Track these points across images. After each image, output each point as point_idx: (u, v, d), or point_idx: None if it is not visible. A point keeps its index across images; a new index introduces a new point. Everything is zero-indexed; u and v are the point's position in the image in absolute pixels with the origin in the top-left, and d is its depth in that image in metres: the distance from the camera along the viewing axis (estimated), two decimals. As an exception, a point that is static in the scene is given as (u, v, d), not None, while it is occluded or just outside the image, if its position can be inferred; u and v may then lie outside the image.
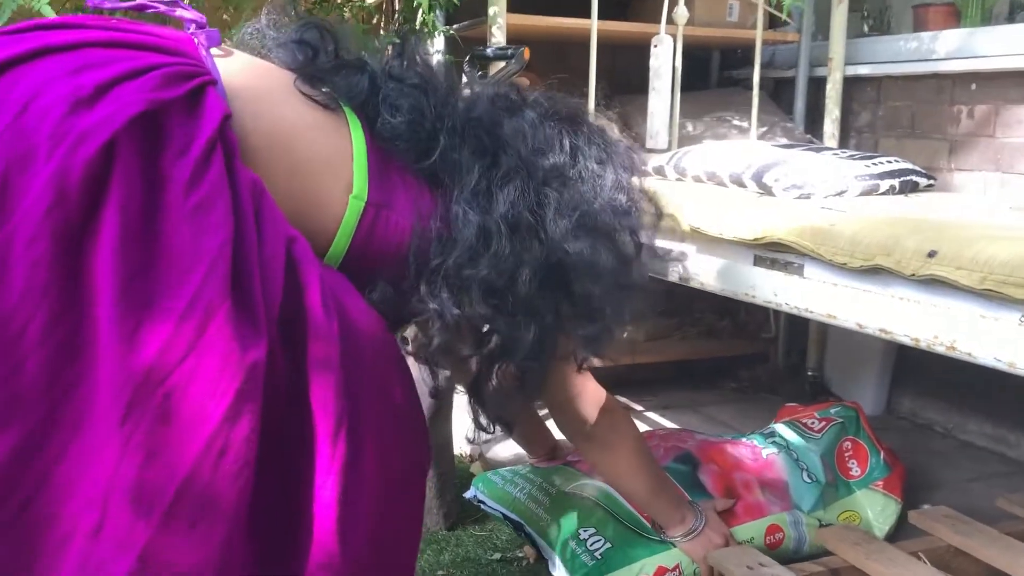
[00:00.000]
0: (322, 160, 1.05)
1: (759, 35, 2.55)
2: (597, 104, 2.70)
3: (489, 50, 2.19)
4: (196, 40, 1.04)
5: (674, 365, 2.96)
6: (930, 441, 2.48)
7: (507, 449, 2.31)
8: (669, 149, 2.35)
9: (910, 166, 2.03)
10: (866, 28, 2.95)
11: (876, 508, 1.81)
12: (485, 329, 1.09)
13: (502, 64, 2.16)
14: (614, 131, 1.29)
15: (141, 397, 0.86)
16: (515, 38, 2.38)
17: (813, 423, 1.91)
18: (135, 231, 0.88)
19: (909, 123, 2.58)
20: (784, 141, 2.50)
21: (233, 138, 0.97)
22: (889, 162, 2.02)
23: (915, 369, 2.62)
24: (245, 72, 1.07)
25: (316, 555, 0.99)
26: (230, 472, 0.90)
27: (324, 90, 1.09)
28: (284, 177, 1.02)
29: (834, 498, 1.79)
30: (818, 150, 2.11)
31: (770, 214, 1.55)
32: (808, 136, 2.70)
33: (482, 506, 1.79)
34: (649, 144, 2.41)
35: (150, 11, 1.08)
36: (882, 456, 1.87)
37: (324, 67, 1.10)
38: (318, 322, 0.97)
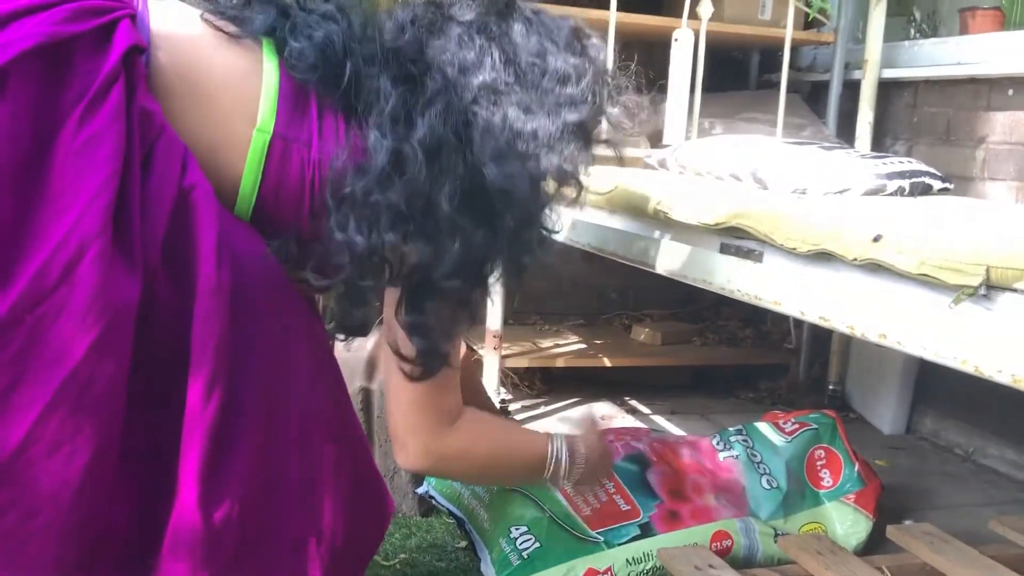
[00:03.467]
0: (231, 95, 1.03)
1: (788, 32, 2.47)
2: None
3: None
4: None
5: (692, 370, 2.88)
6: (948, 463, 2.36)
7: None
8: (685, 146, 2.29)
9: (924, 168, 1.94)
10: (912, 32, 2.84)
11: (845, 522, 1.72)
12: (397, 256, 1.04)
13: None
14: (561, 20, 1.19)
15: (11, 321, 0.86)
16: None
17: (787, 425, 1.82)
18: (18, 167, 0.88)
19: (944, 129, 2.47)
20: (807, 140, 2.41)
21: (140, 70, 0.96)
22: (901, 162, 1.93)
23: (937, 388, 2.49)
24: (170, 11, 1.06)
25: (177, 519, 0.98)
26: (95, 403, 0.90)
27: (235, 25, 1.06)
28: (193, 114, 1.00)
29: (798, 507, 1.71)
30: (830, 149, 2.03)
31: (734, 200, 1.49)
32: (838, 140, 2.61)
33: (433, 502, 1.75)
34: (665, 141, 2.35)
35: None
36: (857, 468, 1.78)
37: (235, 2, 1.08)
38: (207, 274, 0.96)
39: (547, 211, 1.12)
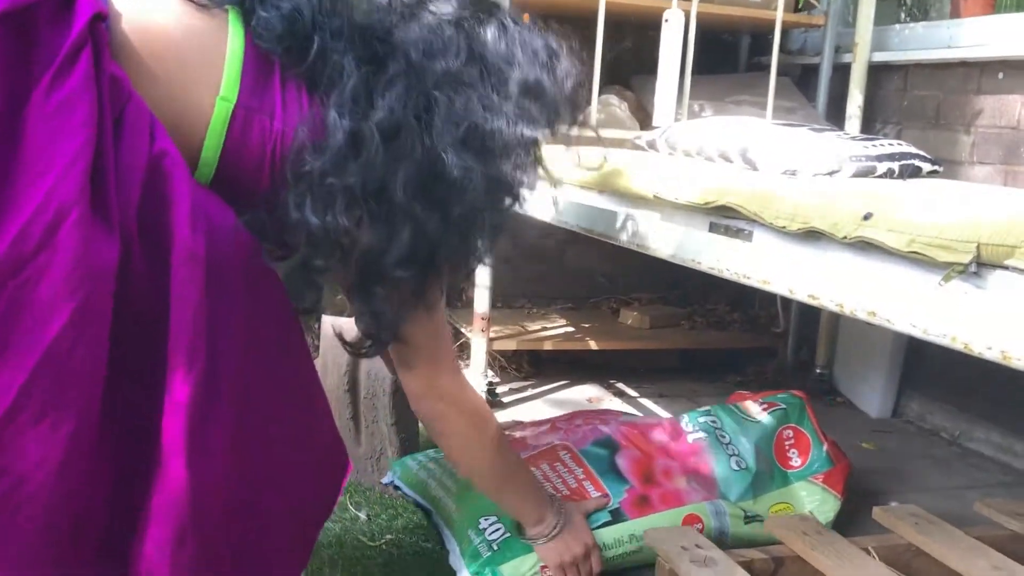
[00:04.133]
0: (195, 63, 1.02)
1: (779, 14, 2.45)
2: (610, 83, 2.64)
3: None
4: None
5: (679, 354, 2.88)
6: (934, 447, 2.36)
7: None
8: (674, 127, 2.28)
9: (914, 150, 1.93)
10: (903, 15, 2.83)
11: (813, 502, 1.71)
12: (350, 239, 1.02)
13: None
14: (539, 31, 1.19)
15: None
16: (526, 10, 2.33)
17: (754, 406, 1.81)
18: None
19: (934, 113, 2.46)
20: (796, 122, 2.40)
21: (104, 38, 0.95)
22: (891, 144, 1.92)
23: (924, 372, 2.50)
24: None
25: (163, 489, 0.97)
26: (77, 371, 0.89)
27: None
28: (157, 82, 0.99)
29: (767, 488, 1.69)
30: (820, 131, 2.02)
31: (722, 179, 1.48)
32: (828, 123, 2.60)
33: (399, 493, 1.71)
34: (655, 122, 2.34)
35: None
36: (825, 448, 1.77)
37: None
38: (183, 240, 0.95)
39: (498, 214, 1.11)
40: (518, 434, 1.75)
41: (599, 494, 1.56)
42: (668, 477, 1.62)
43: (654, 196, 1.58)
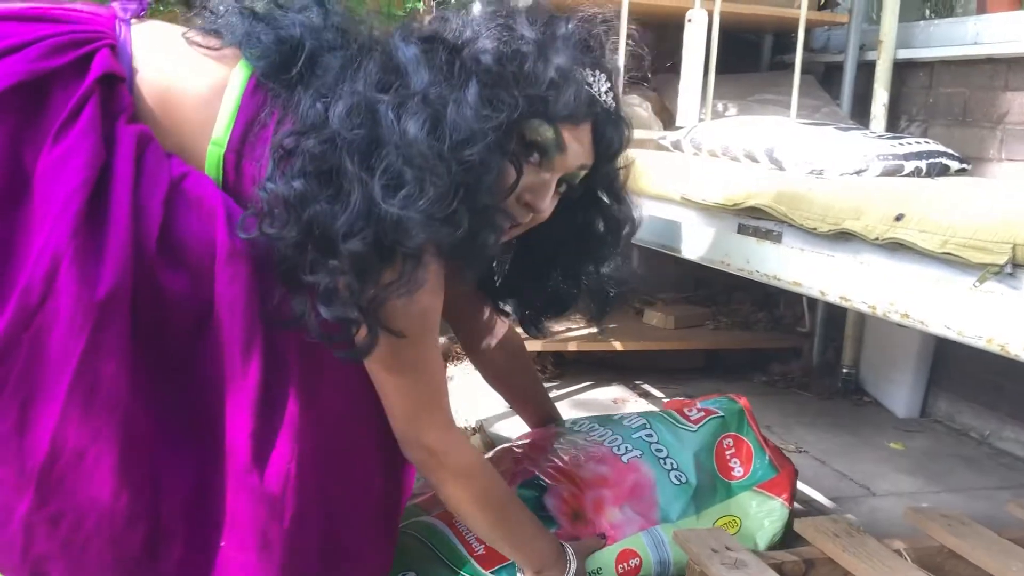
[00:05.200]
0: (200, 111, 1.05)
1: (803, 13, 2.44)
2: (634, 82, 2.64)
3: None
4: (117, 6, 1.07)
5: (704, 354, 2.87)
6: (963, 446, 2.34)
7: (509, 426, 2.27)
8: (698, 127, 2.27)
9: (941, 148, 1.92)
10: (927, 12, 2.81)
11: (760, 513, 1.63)
12: (297, 202, 0.99)
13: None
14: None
15: (10, 342, 0.91)
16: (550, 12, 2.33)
17: (691, 412, 1.70)
18: (2, 197, 0.93)
19: (961, 110, 2.44)
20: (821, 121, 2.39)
21: (124, 98, 1.00)
22: (918, 143, 1.90)
23: (953, 371, 2.48)
24: (154, 36, 1.08)
25: (240, 493, 1.00)
26: (105, 404, 0.93)
27: (216, 37, 1.09)
28: (169, 132, 1.03)
29: (710, 501, 1.60)
30: (846, 129, 2.01)
31: (751, 180, 1.48)
32: (853, 121, 2.59)
33: None
34: (678, 123, 2.34)
35: None
36: (768, 455, 1.67)
37: (217, 19, 1.10)
38: (222, 242, 0.99)
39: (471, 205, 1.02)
40: None
41: None
42: (599, 511, 1.51)
43: (681, 197, 1.58)
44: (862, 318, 2.67)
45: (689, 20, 2.30)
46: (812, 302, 2.85)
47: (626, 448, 1.60)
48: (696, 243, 1.50)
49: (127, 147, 0.97)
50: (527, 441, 1.68)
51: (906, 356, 2.53)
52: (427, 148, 0.98)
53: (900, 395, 2.55)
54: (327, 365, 1.08)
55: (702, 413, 1.68)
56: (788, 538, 1.72)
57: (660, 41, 2.85)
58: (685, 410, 1.71)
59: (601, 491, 1.53)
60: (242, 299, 0.99)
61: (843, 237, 1.22)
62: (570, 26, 1.13)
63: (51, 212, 0.92)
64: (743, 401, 1.74)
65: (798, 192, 1.34)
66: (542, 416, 1.77)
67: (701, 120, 2.31)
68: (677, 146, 2.13)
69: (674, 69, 2.61)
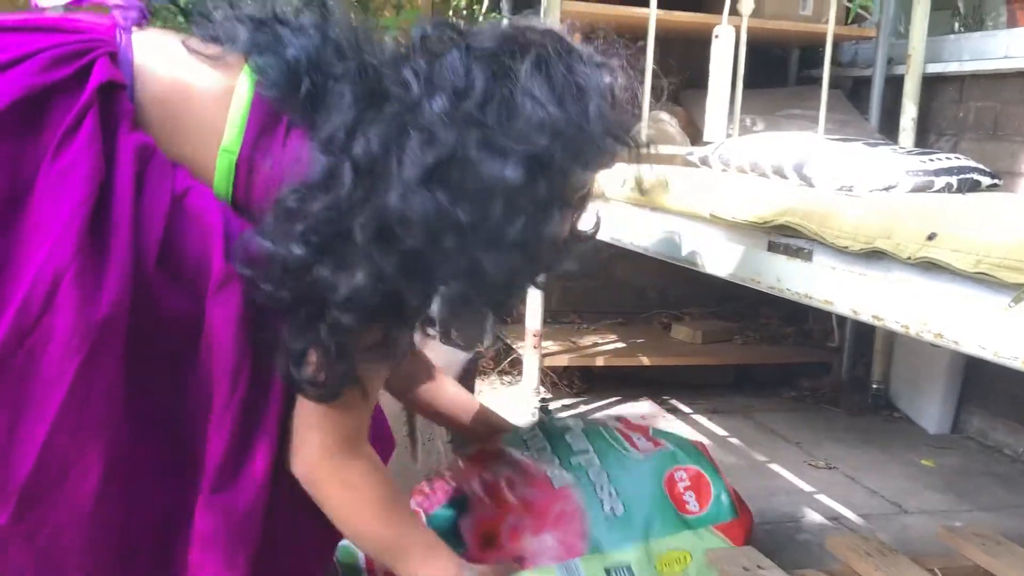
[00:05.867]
0: (206, 118, 1.03)
1: (831, 28, 2.44)
2: (661, 98, 2.64)
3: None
4: (118, 14, 1.06)
5: (732, 369, 2.86)
6: (996, 464, 2.32)
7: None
8: (726, 143, 2.27)
9: (972, 164, 1.91)
10: (957, 25, 2.80)
11: None
12: (300, 270, 0.98)
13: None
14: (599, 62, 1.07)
15: (3, 357, 0.91)
16: (575, 29, 2.34)
17: (640, 441, 1.59)
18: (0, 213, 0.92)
19: (992, 124, 2.43)
20: (849, 136, 2.38)
21: (124, 106, 0.99)
22: (948, 158, 1.89)
23: (985, 387, 2.45)
24: (154, 43, 1.07)
25: (211, 514, 1.00)
26: (95, 423, 0.93)
27: (218, 44, 1.06)
28: (172, 139, 1.02)
29: (657, 532, 1.47)
30: (874, 144, 2.00)
31: (781, 197, 1.48)
32: (882, 136, 2.58)
33: None
34: (706, 138, 2.34)
35: (86, 4, 1.11)
36: (730, 497, 1.53)
37: (216, 26, 1.08)
38: (218, 265, 0.98)
39: (478, 269, 1.00)
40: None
41: None
42: (515, 537, 1.42)
43: (710, 214, 1.58)
44: (892, 333, 2.65)
45: (716, 36, 2.30)
46: (841, 317, 2.84)
47: (561, 472, 1.51)
48: (726, 260, 1.50)
49: (127, 160, 0.96)
50: (473, 452, 1.60)
51: (937, 372, 2.51)
52: (445, 224, 0.96)
53: (931, 411, 2.53)
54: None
55: (651, 444, 1.58)
56: (818, 555, 1.71)
57: (686, 57, 2.86)
58: (635, 436, 1.61)
59: (523, 517, 1.45)
60: (233, 321, 0.98)
61: (875, 256, 1.21)
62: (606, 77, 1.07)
63: (53, 228, 0.92)
64: (700, 446, 1.64)
65: (829, 210, 1.34)
66: (486, 427, 1.65)
67: (728, 136, 2.31)
68: (705, 162, 2.14)
69: (700, 84, 2.61)
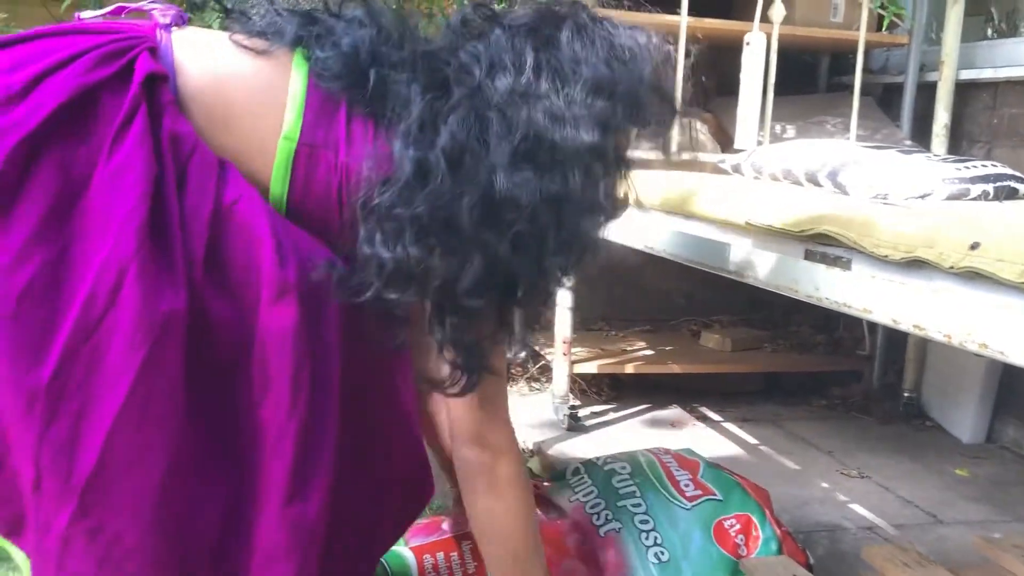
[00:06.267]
0: (257, 108, 1.04)
1: (862, 35, 2.43)
2: (689, 104, 2.64)
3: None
4: (157, 15, 1.08)
5: (762, 377, 2.85)
6: (1032, 474, 2.30)
7: (568, 447, 2.28)
8: (757, 150, 2.27)
9: (1009, 171, 1.89)
10: (990, 31, 2.78)
11: None
12: (420, 270, 1.01)
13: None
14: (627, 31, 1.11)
15: (70, 353, 0.91)
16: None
17: (688, 488, 1.57)
18: (55, 210, 0.93)
19: (1026, 131, 2.41)
20: (881, 143, 2.37)
21: (166, 96, 1.00)
22: (984, 165, 1.88)
23: (1021, 395, 2.43)
24: (196, 39, 1.08)
25: (270, 529, 1.00)
26: (157, 419, 0.94)
27: (264, 39, 1.07)
28: (222, 129, 1.02)
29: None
30: (908, 152, 1.99)
31: (818, 205, 1.47)
32: (914, 144, 2.56)
33: None
34: (737, 145, 2.33)
35: (127, 12, 1.12)
36: (779, 541, 1.53)
37: (265, 15, 1.09)
38: (270, 276, 0.99)
39: (575, 231, 1.05)
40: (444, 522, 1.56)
41: None
42: None
43: (746, 223, 1.58)
44: (924, 341, 2.63)
45: (747, 43, 2.30)
46: (872, 324, 2.82)
47: (606, 517, 1.52)
48: (762, 268, 1.50)
49: (169, 156, 0.97)
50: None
51: (971, 380, 2.49)
52: (542, 196, 1.00)
53: (965, 420, 2.51)
54: (369, 388, 1.09)
55: (699, 491, 1.57)
56: (854, 565, 1.70)
57: (715, 64, 2.85)
58: (682, 480, 1.60)
59: (574, 563, 1.47)
60: (292, 333, 0.99)
61: (916, 265, 1.21)
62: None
63: (112, 225, 0.93)
64: (750, 485, 1.61)
65: (867, 218, 1.33)
66: None
67: (759, 143, 2.31)
68: (737, 169, 2.13)
69: (729, 91, 2.61)
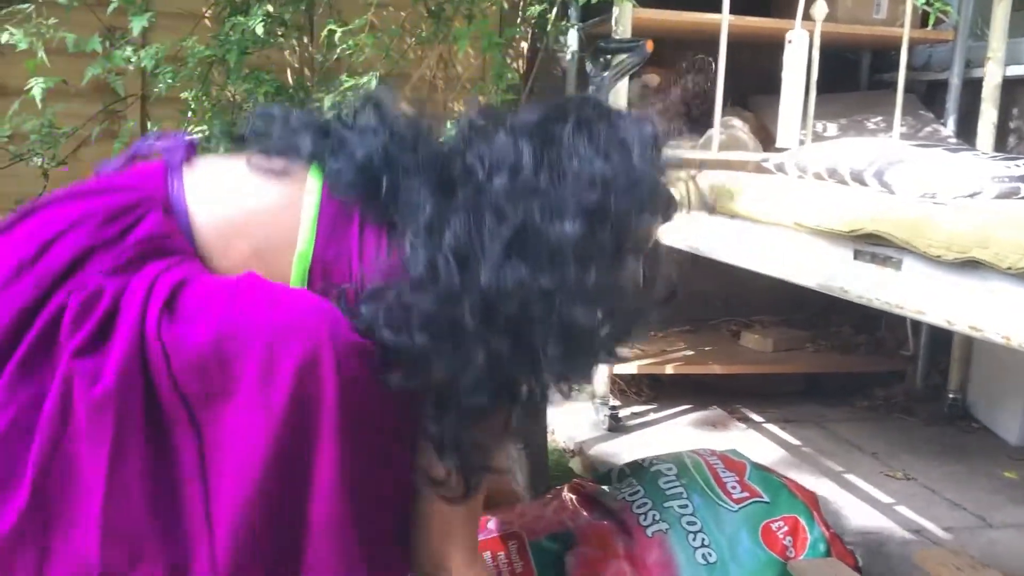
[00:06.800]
0: (274, 228, 1.07)
1: (906, 31, 2.40)
2: (728, 103, 2.62)
3: (611, 43, 2.17)
4: (166, 159, 1.11)
5: (804, 378, 2.83)
6: (1082, 477, 2.26)
7: (608, 448, 2.27)
8: (799, 149, 2.25)
9: (1060, 169, 1.86)
10: (1037, 26, 2.73)
11: None
12: (422, 359, 1.02)
13: (623, 57, 2.14)
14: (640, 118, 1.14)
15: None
16: (646, 33, 2.34)
17: (734, 489, 1.58)
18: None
19: (1075, 128, 2.37)
20: (926, 141, 2.34)
21: (177, 245, 1.04)
22: (1034, 164, 1.85)
23: (1070, 397, 2.39)
24: (208, 176, 1.11)
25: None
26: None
27: (282, 156, 1.11)
28: (245, 258, 1.06)
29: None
30: (955, 149, 1.96)
31: (866, 205, 1.46)
32: (960, 141, 2.53)
33: None
34: (779, 144, 2.31)
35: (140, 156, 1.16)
36: (827, 543, 1.52)
37: (276, 141, 1.13)
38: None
39: (572, 328, 1.04)
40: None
41: None
42: None
43: (794, 223, 1.56)
44: (969, 341, 2.59)
45: (789, 41, 2.28)
46: (916, 324, 2.79)
47: (654, 518, 1.53)
48: (811, 270, 1.49)
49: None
50: (573, 495, 1.64)
51: (1018, 381, 2.45)
52: (538, 290, 1.02)
53: (1012, 422, 2.47)
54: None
55: (746, 493, 1.57)
56: (902, 568, 1.68)
57: (754, 61, 2.83)
58: (729, 481, 1.60)
59: (622, 564, 1.48)
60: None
61: (971, 265, 1.19)
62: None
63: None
64: (798, 488, 1.62)
65: (918, 218, 1.32)
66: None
67: (801, 141, 2.29)
68: (780, 168, 2.11)
69: (769, 90, 2.59)
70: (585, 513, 1.57)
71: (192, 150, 1.13)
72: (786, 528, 1.52)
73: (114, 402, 0.93)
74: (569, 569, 1.47)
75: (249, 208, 1.09)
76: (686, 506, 1.54)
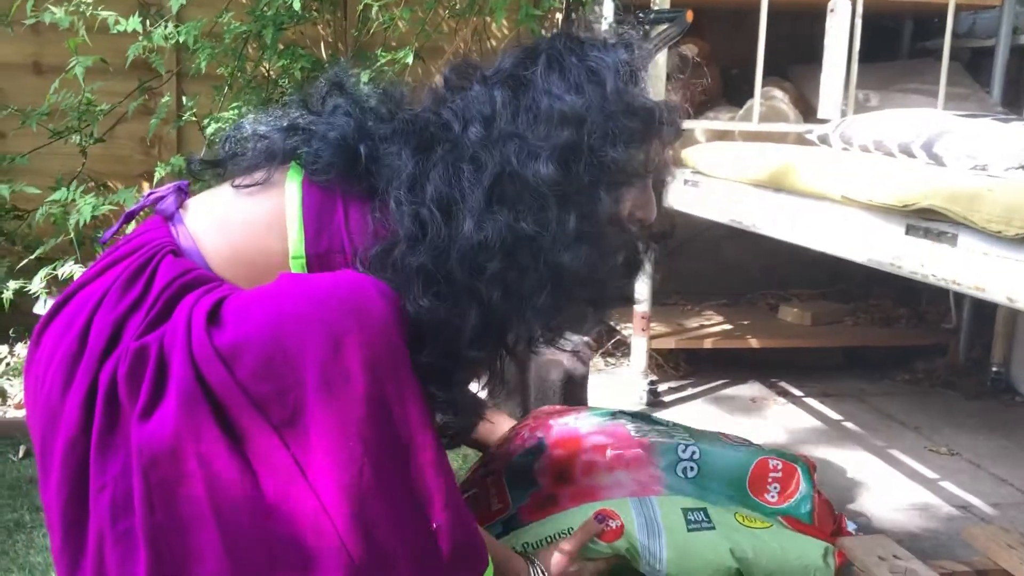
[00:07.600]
0: (268, 239, 1.10)
1: (952, -2, 2.34)
2: (768, 73, 2.58)
3: (651, 14, 2.14)
4: (160, 208, 1.14)
5: (843, 351, 2.80)
6: None
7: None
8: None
9: (1114, 139, 1.81)
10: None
11: (791, 547, 1.39)
12: (428, 318, 1.03)
13: (663, 27, 2.11)
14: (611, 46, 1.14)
15: None
16: (685, 3, 2.30)
17: (743, 442, 1.60)
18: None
19: None
20: (972, 111, 2.29)
21: (199, 277, 1.06)
22: (1088, 133, 1.81)
23: (1118, 371, 2.35)
24: (204, 212, 1.14)
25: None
26: None
27: (261, 167, 1.13)
28: (253, 280, 1.06)
29: (728, 502, 1.46)
30: (1005, 120, 1.92)
31: (920, 179, 1.43)
32: (1004, 110, 2.47)
33: None
34: (820, 115, 2.28)
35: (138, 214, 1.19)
36: (812, 507, 1.49)
37: (252, 156, 1.15)
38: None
39: (559, 271, 1.06)
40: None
41: (500, 505, 1.43)
42: (588, 473, 1.43)
43: (842, 197, 1.54)
44: (1014, 314, 2.55)
45: (831, 10, 2.23)
46: (959, 297, 2.74)
47: (643, 429, 1.54)
48: (861, 245, 1.46)
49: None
50: (555, 411, 1.65)
51: (1064, 355, 2.41)
52: (515, 246, 1.04)
53: (1057, 396, 2.44)
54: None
55: (754, 447, 1.58)
56: (949, 544, 1.66)
57: (794, 30, 2.78)
58: (737, 440, 1.62)
59: (594, 456, 1.47)
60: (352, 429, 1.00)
61: (1032, 240, 1.17)
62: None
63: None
64: (810, 463, 1.59)
65: (975, 192, 1.29)
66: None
67: (843, 113, 2.25)
68: (824, 140, 2.08)
69: (808, 59, 2.54)
70: (559, 423, 1.56)
71: (184, 194, 1.16)
72: (781, 469, 1.51)
73: (184, 443, 0.94)
74: (537, 471, 1.46)
75: (243, 231, 1.11)
76: (687, 438, 1.54)
